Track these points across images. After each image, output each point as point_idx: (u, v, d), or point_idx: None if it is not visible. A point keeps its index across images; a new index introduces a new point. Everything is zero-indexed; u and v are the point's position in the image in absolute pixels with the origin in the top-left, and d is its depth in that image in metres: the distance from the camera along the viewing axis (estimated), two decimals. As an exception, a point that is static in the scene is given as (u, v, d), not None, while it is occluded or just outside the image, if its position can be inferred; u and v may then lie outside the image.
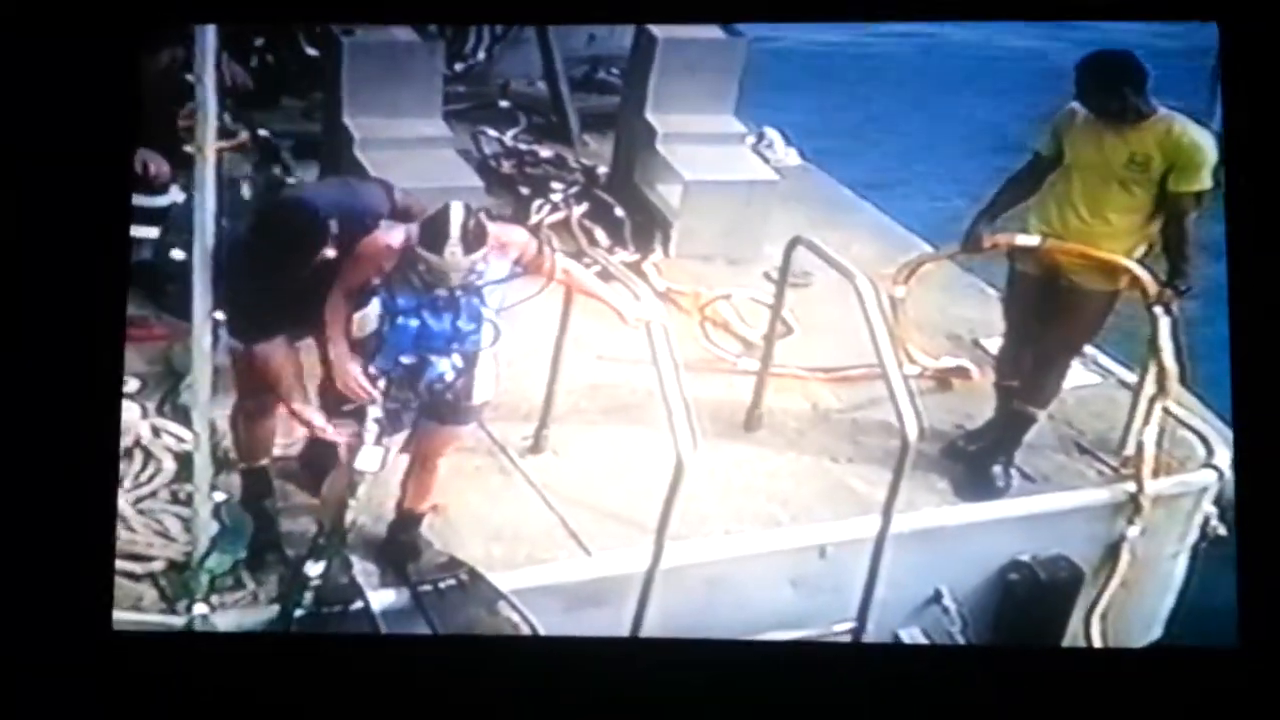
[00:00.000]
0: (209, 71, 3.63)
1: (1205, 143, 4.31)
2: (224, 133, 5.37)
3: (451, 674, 4.03)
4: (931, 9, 4.49)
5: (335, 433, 3.99)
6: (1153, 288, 4.46)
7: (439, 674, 4.03)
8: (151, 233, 5.12)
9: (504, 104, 6.63)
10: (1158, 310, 4.51)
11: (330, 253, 3.86)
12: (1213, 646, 4.00)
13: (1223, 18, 4.04)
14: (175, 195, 5.15)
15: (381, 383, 3.93)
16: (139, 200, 5.01)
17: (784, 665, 4.10)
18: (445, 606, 4.11)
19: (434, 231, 3.69)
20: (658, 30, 5.78)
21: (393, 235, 3.85)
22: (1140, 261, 4.45)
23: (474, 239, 3.66)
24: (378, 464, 4.00)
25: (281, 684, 3.98)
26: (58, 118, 4.07)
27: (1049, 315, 4.62)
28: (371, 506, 4.20)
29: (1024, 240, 4.57)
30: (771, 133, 6.60)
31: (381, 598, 4.09)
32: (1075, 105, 4.43)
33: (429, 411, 4.04)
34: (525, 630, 4.09)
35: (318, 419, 4.03)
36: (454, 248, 3.67)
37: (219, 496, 4.11)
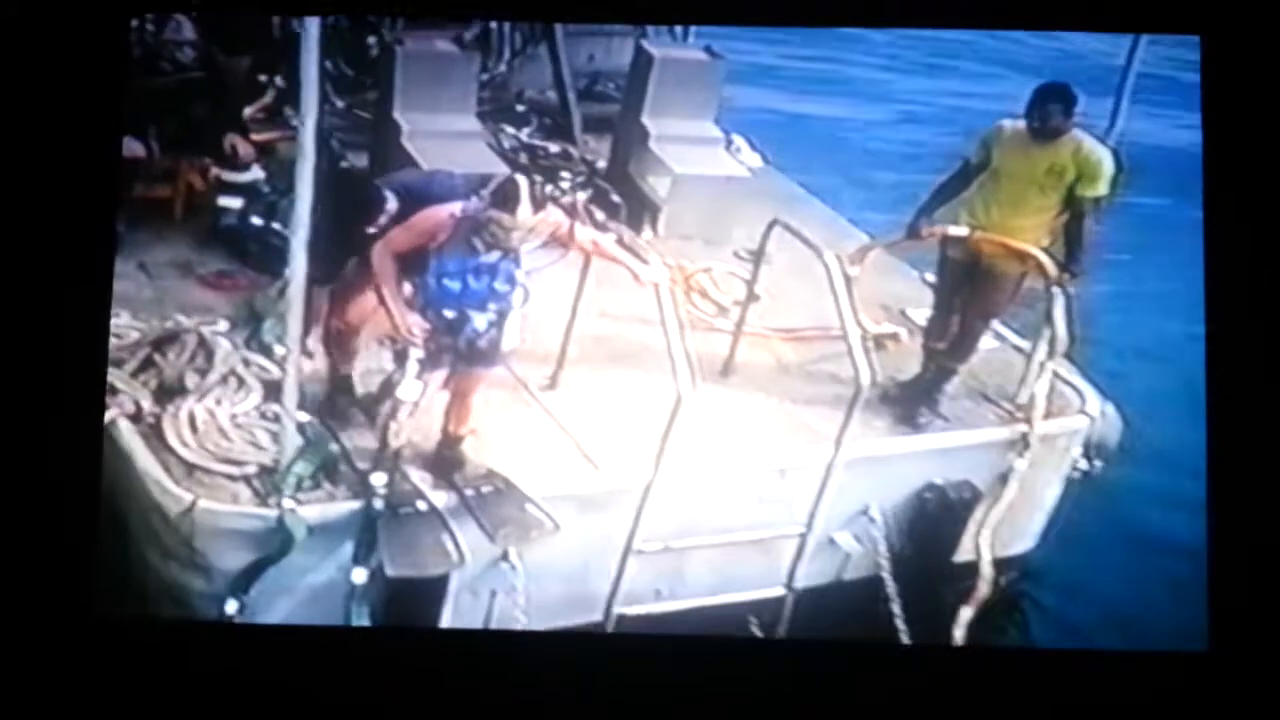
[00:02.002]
0: (313, 64, 4.09)
1: (1107, 158, 5.07)
2: (288, 125, 6.16)
3: (444, 667, 4.33)
4: (916, 16, 4.70)
5: (411, 330, 4.46)
6: (1054, 271, 5.16)
7: (433, 666, 4.34)
8: (236, 203, 5.82)
9: (520, 108, 7.27)
10: (1055, 290, 5.21)
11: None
12: (1184, 650, 4.12)
13: (1205, 31, 4.21)
14: (256, 173, 5.85)
15: (426, 329, 4.51)
16: (227, 175, 5.83)
17: (778, 662, 4.41)
18: (487, 506, 4.68)
19: (507, 196, 4.31)
20: (654, 50, 6.49)
21: (451, 207, 4.44)
22: (1045, 250, 5.16)
23: (540, 200, 4.30)
24: (417, 394, 4.56)
25: (264, 672, 4.24)
26: (50, 98, 4.29)
27: (972, 292, 5.32)
28: (421, 430, 4.76)
29: (955, 231, 5.25)
30: (738, 139, 7.09)
31: (437, 499, 4.66)
32: (1004, 122, 5.13)
33: (465, 357, 4.61)
34: (549, 526, 4.65)
35: (401, 311, 4.43)
36: (525, 207, 4.27)
37: (303, 416, 4.68)
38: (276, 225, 5.59)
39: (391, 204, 4.59)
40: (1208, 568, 4.05)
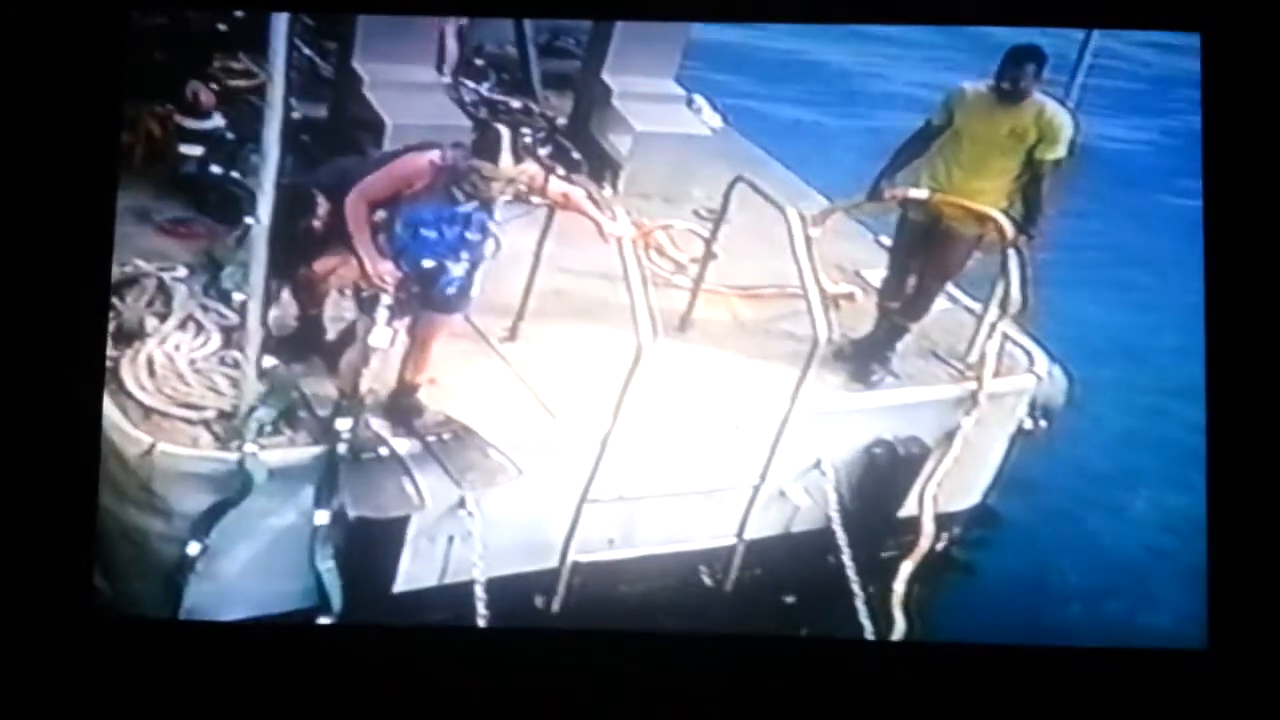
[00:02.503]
0: (280, 58, 4.11)
1: (1067, 120, 5.09)
2: (246, 74, 6.18)
3: (444, 666, 4.34)
4: (915, 13, 4.71)
5: (383, 277, 4.48)
6: (1011, 233, 5.25)
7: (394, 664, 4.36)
8: (196, 150, 5.79)
9: (479, 62, 7.19)
10: (1011, 251, 5.31)
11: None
12: (1183, 649, 4.15)
13: (1205, 27, 4.23)
14: (217, 120, 5.82)
15: (398, 276, 4.51)
16: (188, 123, 5.81)
17: (735, 660, 4.38)
18: (450, 452, 4.73)
19: (488, 145, 4.36)
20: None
21: (430, 154, 4.44)
22: (1004, 213, 5.25)
23: (523, 151, 4.35)
24: (388, 341, 4.62)
25: (260, 669, 4.28)
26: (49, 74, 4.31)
27: (930, 252, 5.40)
28: (382, 378, 4.80)
29: (916, 193, 5.31)
30: (699, 99, 7.10)
31: (399, 445, 4.69)
32: (965, 84, 5.18)
33: (430, 304, 4.64)
34: (513, 471, 4.69)
35: (372, 258, 4.43)
36: (507, 157, 4.32)
37: (266, 362, 4.65)
38: (236, 174, 5.60)
39: (322, 201, 4.62)
40: (1207, 565, 4.10)
